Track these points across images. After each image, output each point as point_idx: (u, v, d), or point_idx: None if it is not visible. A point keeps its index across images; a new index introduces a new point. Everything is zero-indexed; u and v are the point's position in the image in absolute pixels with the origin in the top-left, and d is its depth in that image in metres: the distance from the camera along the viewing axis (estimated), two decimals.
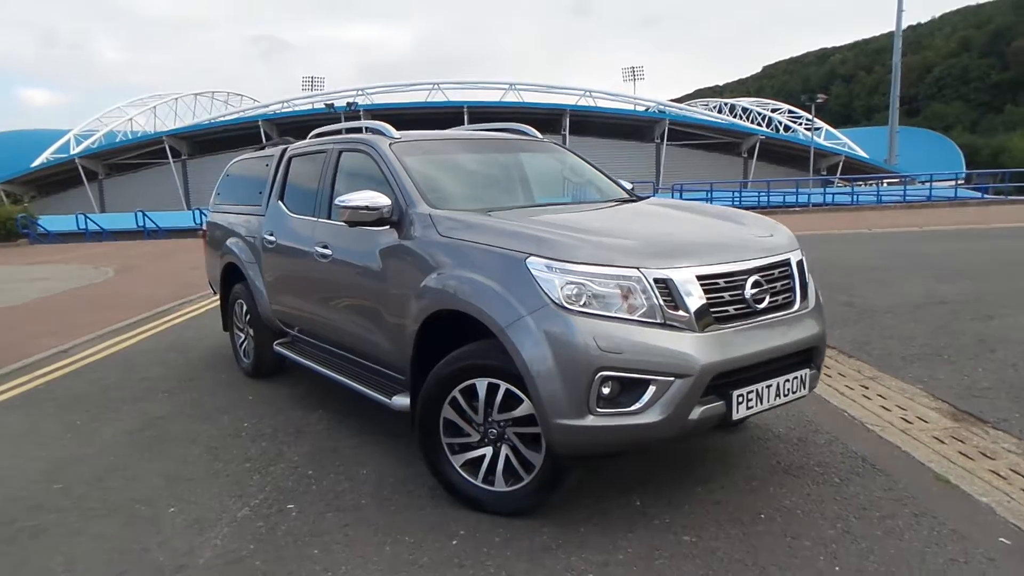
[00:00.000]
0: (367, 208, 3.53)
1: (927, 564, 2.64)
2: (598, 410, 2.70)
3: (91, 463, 3.94)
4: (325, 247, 4.16)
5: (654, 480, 3.42)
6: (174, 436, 4.32)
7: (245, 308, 5.46)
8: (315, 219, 4.38)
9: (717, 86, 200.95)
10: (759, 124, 71.12)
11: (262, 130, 47.60)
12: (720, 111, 79.35)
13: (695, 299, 2.80)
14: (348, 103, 29.06)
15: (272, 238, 4.88)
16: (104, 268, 14.80)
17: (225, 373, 5.74)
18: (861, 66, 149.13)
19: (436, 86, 61.66)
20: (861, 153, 64.02)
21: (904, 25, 55.24)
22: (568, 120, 52.27)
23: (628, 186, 4.57)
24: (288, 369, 5.59)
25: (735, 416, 2.85)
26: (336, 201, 3.59)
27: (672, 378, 2.69)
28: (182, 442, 4.21)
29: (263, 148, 5.96)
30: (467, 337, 3.23)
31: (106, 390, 5.41)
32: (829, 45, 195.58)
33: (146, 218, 25.99)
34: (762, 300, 3.00)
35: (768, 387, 2.95)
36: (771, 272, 3.10)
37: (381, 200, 3.54)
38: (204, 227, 6.42)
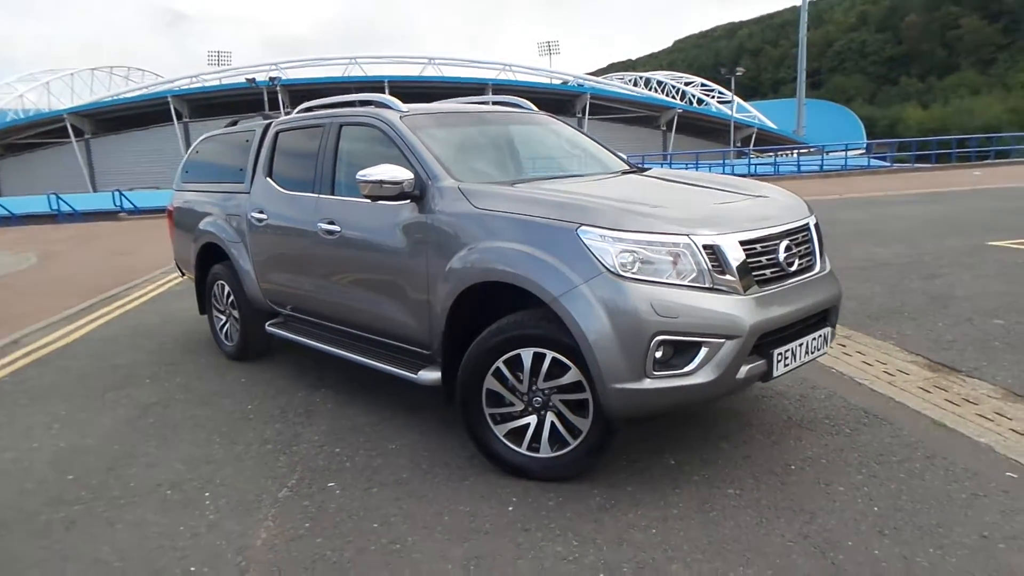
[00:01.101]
0: (391, 182, 3.49)
1: (953, 499, 2.88)
2: (654, 373, 2.80)
3: (97, 452, 3.79)
4: (331, 223, 4.09)
5: (681, 439, 3.57)
6: (177, 422, 4.19)
7: (227, 289, 5.30)
8: (316, 195, 4.28)
9: (630, 60, 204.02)
10: (674, 97, 72.79)
11: (172, 107, 45.41)
12: (636, 84, 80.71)
13: (739, 263, 2.93)
14: (271, 78, 28.00)
15: (262, 216, 4.74)
16: (25, 255, 13.91)
17: (206, 357, 5.57)
18: (767, 40, 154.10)
19: (353, 60, 60.18)
20: (771, 125, 66.54)
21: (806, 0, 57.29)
22: (491, 94, 52.08)
23: (624, 157, 4.67)
24: (275, 350, 5.48)
25: (775, 374, 3.01)
26: (358, 176, 3.53)
27: (723, 339, 2.82)
28: (188, 427, 4.09)
29: (235, 123, 5.75)
30: (497, 309, 3.28)
31: (82, 379, 5.16)
32: (736, 20, 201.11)
33: (60, 201, 24.44)
34: (792, 263, 3.17)
35: (800, 345, 3.12)
36: (797, 236, 3.27)
37: (403, 174, 3.51)
38: (170, 207, 6.14)
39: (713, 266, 2.87)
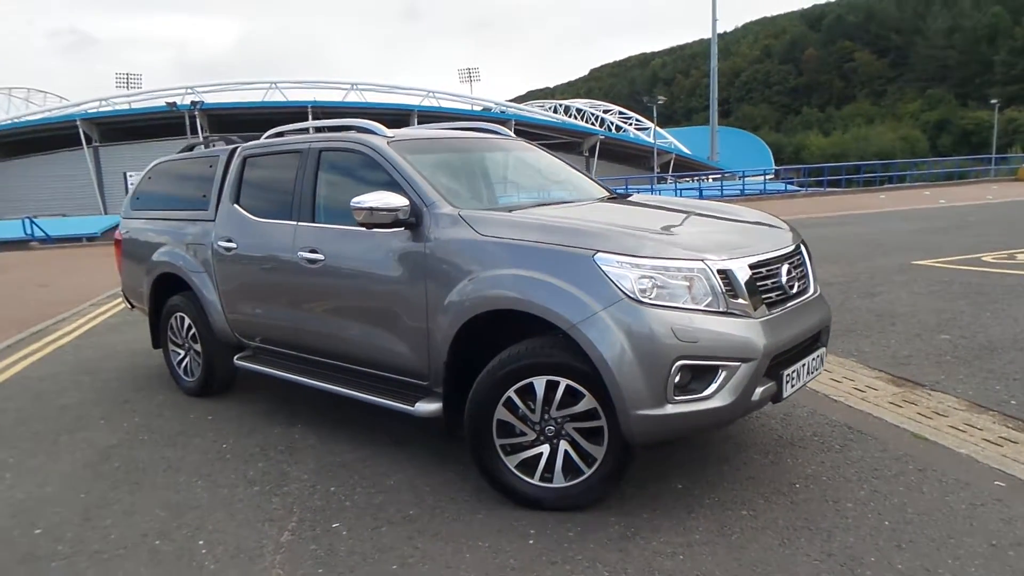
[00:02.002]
0: (386, 209, 3.40)
1: (954, 510, 2.99)
2: (675, 398, 2.81)
3: (62, 502, 3.50)
4: (313, 252, 3.95)
5: (682, 463, 3.58)
6: (147, 465, 3.92)
7: (188, 322, 5.03)
8: (295, 223, 4.13)
9: (548, 88, 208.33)
10: (593, 124, 74.59)
11: (81, 131, 43.16)
12: (556, 112, 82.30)
13: (750, 287, 2.99)
14: (193, 102, 27.11)
15: (230, 245, 4.54)
16: None
17: (162, 393, 5.26)
18: (679, 70, 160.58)
19: (273, 85, 58.96)
20: (686, 151, 69.10)
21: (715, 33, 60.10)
22: (416, 120, 51.96)
23: (600, 182, 4.72)
24: (237, 386, 5.22)
25: (784, 395, 3.07)
26: (352, 202, 3.43)
27: (739, 363, 2.86)
28: (160, 471, 3.83)
29: (191, 148, 5.52)
30: (496, 338, 3.24)
31: (23, 422, 4.78)
32: (649, 50, 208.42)
33: None
34: (793, 285, 3.26)
35: (803, 366, 3.21)
36: (793, 259, 3.37)
37: (398, 200, 3.43)
38: (118, 235, 5.81)
39: (726, 290, 2.92)
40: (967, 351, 5.27)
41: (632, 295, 2.82)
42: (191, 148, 5.53)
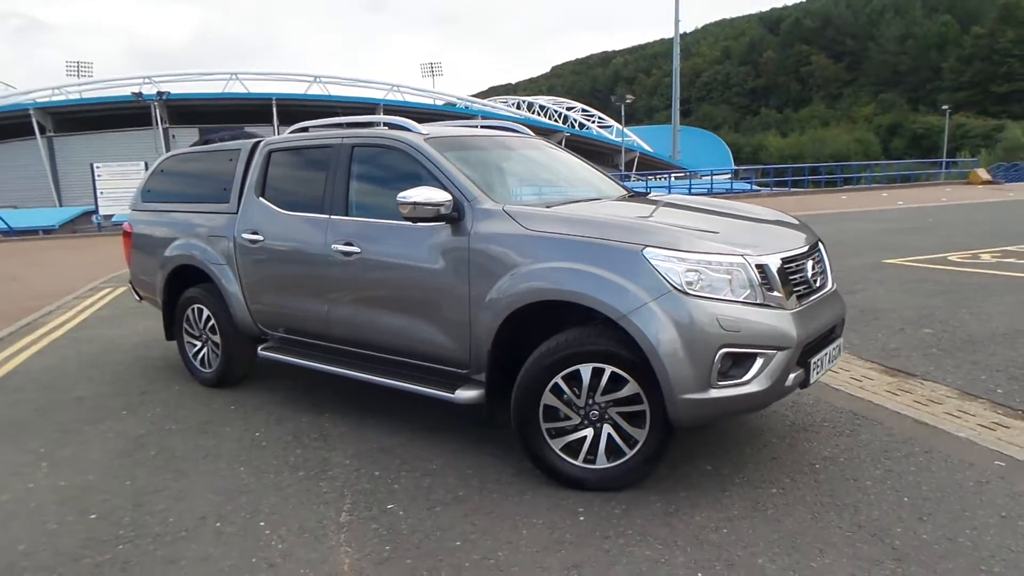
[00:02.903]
0: (430, 204, 3.54)
1: (963, 487, 3.27)
2: (718, 383, 3.02)
3: (108, 490, 3.56)
4: (349, 244, 4.07)
5: (706, 445, 3.81)
6: (184, 453, 4.00)
7: (206, 313, 5.09)
8: (327, 216, 4.24)
9: (510, 84, 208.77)
10: (556, 121, 75.05)
11: (34, 120, 41.83)
12: (519, 108, 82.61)
13: (783, 280, 3.21)
14: (159, 92, 26.64)
15: (256, 237, 4.62)
16: None
17: (178, 385, 5.30)
18: (641, 69, 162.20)
19: (234, 76, 57.93)
20: (649, 149, 70.07)
21: (672, 33, 60.98)
22: (383, 114, 51.70)
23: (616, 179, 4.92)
24: (255, 376, 5.30)
25: (811, 381, 3.31)
26: (398, 197, 3.57)
27: (775, 351, 3.09)
28: (200, 458, 3.91)
29: (205, 142, 5.56)
30: (531, 328, 3.43)
31: (43, 413, 4.79)
32: (611, 48, 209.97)
33: None
34: (816, 280, 3.50)
35: (825, 355, 3.45)
36: (814, 255, 3.61)
37: (441, 195, 3.57)
38: (127, 228, 5.81)
39: (763, 283, 3.14)
40: (950, 344, 5.62)
41: (679, 287, 3.02)
42: (206, 142, 5.57)
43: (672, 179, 39.21)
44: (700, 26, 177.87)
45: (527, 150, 4.74)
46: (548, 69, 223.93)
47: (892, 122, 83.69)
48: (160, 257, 5.35)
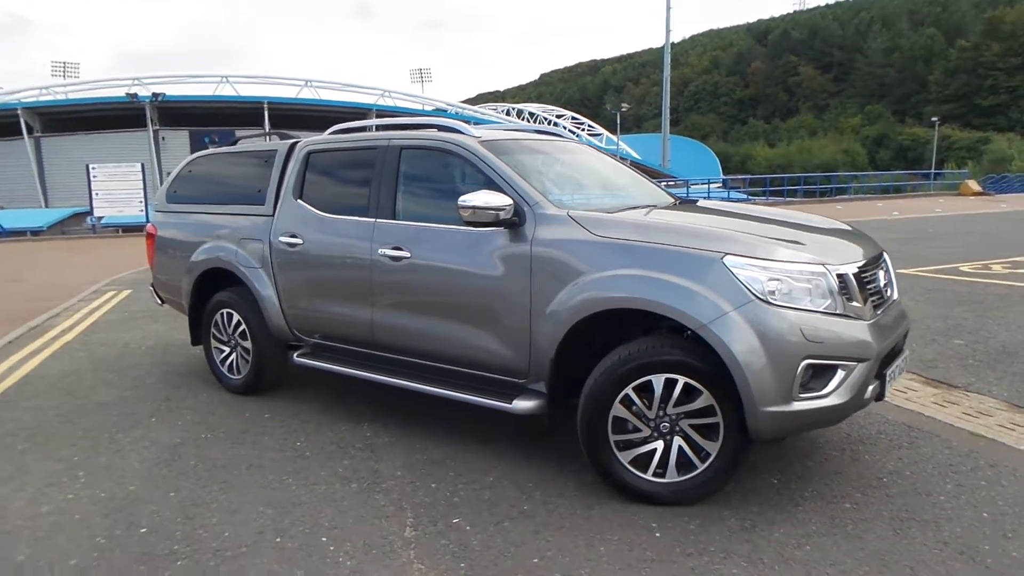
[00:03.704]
0: (491, 208, 3.44)
1: None
2: (800, 396, 2.94)
3: (153, 501, 3.42)
4: (397, 249, 3.96)
5: (767, 458, 3.72)
6: (226, 463, 3.86)
7: (236, 318, 4.95)
8: (373, 220, 4.13)
9: (498, 91, 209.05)
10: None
11: (22, 120, 41.16)
12: (509, 115, 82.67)
13: (862, 290, 3.14)
14: (154, 94, 26.36)
15: (294, 240, 4.50)
16: None
17: (205, 392, 5.15)
18: (629, 78, 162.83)
19: (224, 79, 57.47)
20: (638, 157, 70.25)
21: (662, 43, 61.18)
22: (375, 119, 51.42)
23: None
24: (284, 384, 5.16)
25: (886, 393, 3.24)
26: (460, 201, 3.46)
27: (855, 362, 3.01)
28: (244, 469, 3.78)
29: (233, 143, 5.43)
30: (592, 336, 3.34)
31: (68, 419, 4.63)
32: (599, 57, 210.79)
33: None
34: (887, 289, 3.43)
35: (896, 367, 3.38)
36: (881, 264, 3.54)
37: (502, 200, 3.48)
38: (151, 229, 5.66)
39: (843, 293, 3.06)
40: (986, 355, 5.58)
41: (762, 296, 2.94)
42: (235, 142, 5.44)
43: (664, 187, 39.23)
44: (688, 36, 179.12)
45: (574, 155, 4.65)
46: (537, 76, 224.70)
47: (879, 133, 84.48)
48: (187, 260, 5.21)
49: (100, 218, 23.71)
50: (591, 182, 4.50)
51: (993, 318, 6.80)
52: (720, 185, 45.13)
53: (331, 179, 4.52)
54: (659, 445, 3.21)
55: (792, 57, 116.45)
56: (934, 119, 56.88)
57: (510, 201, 3.50)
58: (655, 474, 3.22)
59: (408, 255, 3.93)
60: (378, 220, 4.11)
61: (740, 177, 57.27)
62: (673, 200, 4.55)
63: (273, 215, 4.70)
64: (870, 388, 3.10)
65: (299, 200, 4.57)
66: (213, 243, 5.05)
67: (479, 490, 3.44)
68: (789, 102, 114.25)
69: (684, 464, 3.19)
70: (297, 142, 4.79)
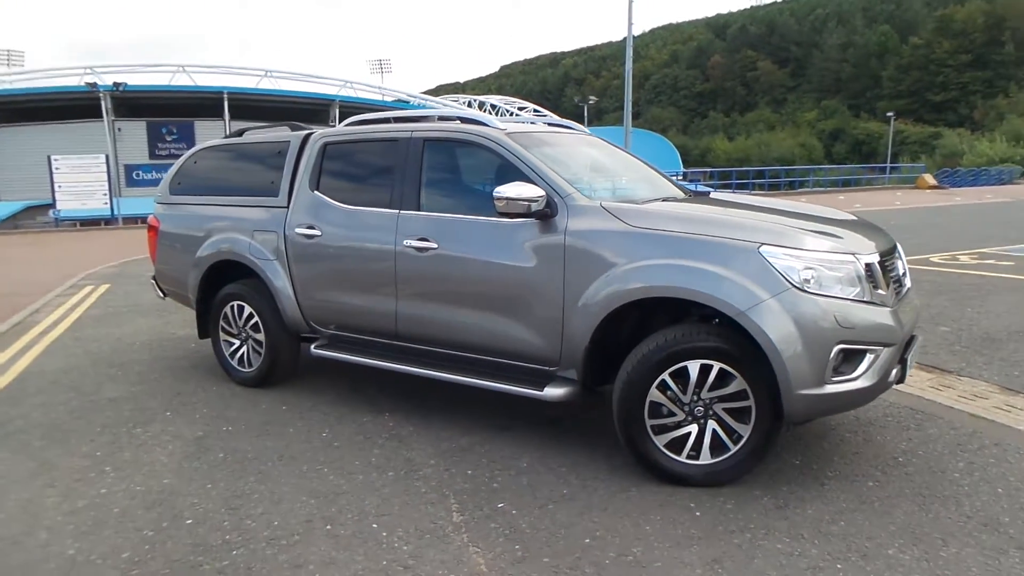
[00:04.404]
0: (524, 200, 3.51)
1: None
2: (832, 379, 3.08)
3: (192, 493, 3.42)
4: (423, 240, 4.00)
5: (786, 441, 3.86)
6: (256, 455, 3.87)
7: (248, 310, 4.93)
8: (396, 211, 4.16)
9: (458, 83, 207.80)
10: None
11: None
12: (471, 106, 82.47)
13: (886, 279, 3.30)
14: (115, 83, 25.66)
15: (312, 232, 4.50)
16: None
17: (215, 385, 5.12)
18: (590, 71, 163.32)
19: (181, 68, 56.08)
20: None
21: (621, 37, 61.65)
22: (338, 111, 50.81)
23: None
24: (296, 375, 5.16)
25: (906, 376, 3.40)
26: (495, 192, 3.52)
27: (882, 347, 3.17)
28: (274, 460, 3.79)
29: (240, 134, 5.38)
30: (621, 324, 3.46)
31: (81, 416, 4.57)
32: (559, 49, 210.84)
33: None
34: (904, 278, 3.60)
35: (913, 352, 3.55)
36: (898, 254, 3.71)
37: (535, 191, 3.55)
38: (153, 221, 5.59)
39: (869, 280, 3.21)
40: (971, 341, 5.84)
41: (798, 284, 3.07)
42: (240, 133, 5.39)
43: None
44: (648, 30, 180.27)
45: (592, 148, 4.73)
46: (497, 68, 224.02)
47: (835, 127, 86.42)
48: (195, 252, 5.16)
49: (59, 211, 23.05)
50: (609, 174, 4.59)
51: (972, 306, 7.11)
52: (681, 178, 45.94)
53: (350, 170, 4.54)
54: (693, 428, 3.33)
55: (750, 52, 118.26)
56: (889, 114, 58.46)
57: (543, 193, 3.57)
58: (689, 456, 3.34)
59: (435, 246, 3.97)
60: (402, 211, 4.15)
61: (702, 171, 58.15)
62: (686, 193, 4.67)
63: (288, 206, 4.69)
64: (893, 372, 3.27)
65: (316, 191, 4.58)
66: (223, 235, 5.02)
67: (516, 475, 3.53)
68: (748, 96, 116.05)
69: (717, 447, 3.32)
70: (311, 133, 4.79)
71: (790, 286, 3.07)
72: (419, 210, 4.11)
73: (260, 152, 5.05)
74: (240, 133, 5.41)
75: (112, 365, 5.77)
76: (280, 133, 5.02)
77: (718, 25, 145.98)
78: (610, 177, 4.58)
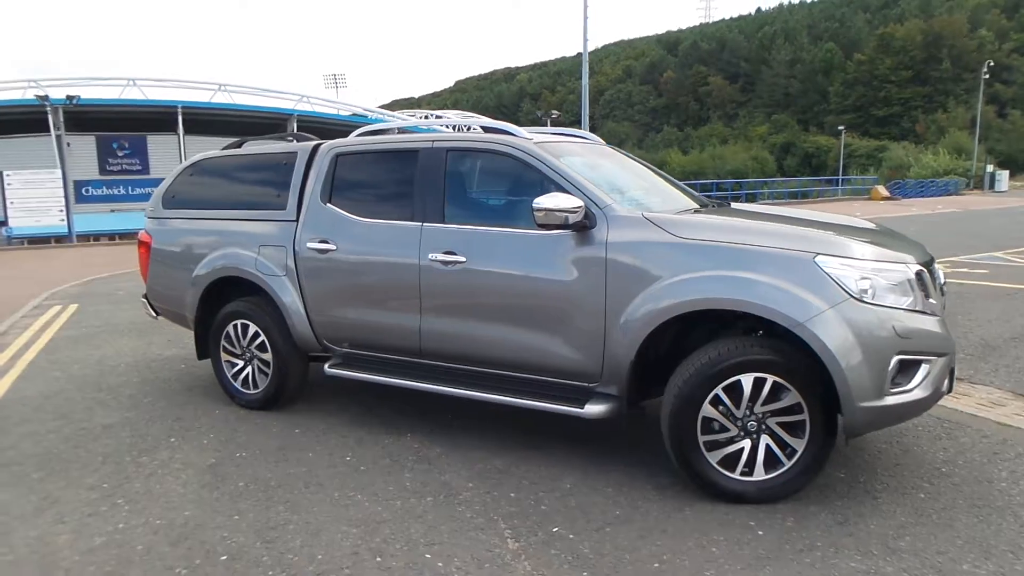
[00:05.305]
0: (562, 211, 3.40)
1: None
2: (891, 391, 3.03)
3: (219, 526, 3.20)
4: (450, 253, 3.85)
5: None
6: (280, 482, 3.65)
7: (254, 329, 4.69)
8: (419, 224, 4.01)
9: (413, 98, 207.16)
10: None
11: None
12: (427, 119, 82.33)
13: (934, 288, 3.27)
14: (68, 96, 24.82)
15: (326, 246, 4.31)
16: None
17: (217, 408, 4.86)
18: (545, 86, 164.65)
19: (131, 82, 54.66)
20: None
21: (575, 52, 62.26)
22: (295, 126, 50.07)
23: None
24: (302, 396, 4.94)
25: (953, 386, 3.38)
26: (534, 203, 3.41)
27: (936, 357, 3.13)
28: (299, 487, 3.58)
29: (239, 145, 5.16)
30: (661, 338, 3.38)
31: (78, 444, 4.28)
32: (514, 65, 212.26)
33: None
34: (943, 288, 3.59)
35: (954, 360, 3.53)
36: (934, 264, 3.70)
37: (574, 202, 3.44)
38: (145, 238, 5.30)
39: (921, 290, 3.18)
40: (971, 349, 5.92)
41: (855, 295, 3.02)
42: (239, 145, 5.17)
43: None
44: (601, 45, 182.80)
45: (609, 158, 4.65)
46: (452, 83, 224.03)
47: (785, 141, 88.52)
48: (192, 269, 4.91)
49: (11, 229, 22.10)
50: (634, 184, 4.51)
51: (961, 313, 7.23)
52: None
53: (366, 182, 4.37)
54: (746, 444, 3.24)
55: (702, 68, 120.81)
56: (840, 128, 60.17)
57: (581, 203, 3.46)
58: (742, 473, 3.25)
59: (463, 260, 3.83)
60: (425, 224, 4.00)
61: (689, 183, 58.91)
62: (706, 202, 4.62)
63: (297, 220, 4.49)
64: (945, 381, 3.24)
65: (329, 204, 4.39)
66: (225, 250, 4.78)
67: (562, 497, 3.39)
68: (700, 111, 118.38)
69: (770, 462, 3.24)
70: (320, 144, 4.61)
71: (848, 296, 3.02)
72: (443, 222, 3.97)
73: (263, 164, 4.84)
74: (239, 144, 5.19)
75: (99, 389, 5.45)
76: (285, 144, 4.82)
77: (669, 41, 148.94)
78: (637, 187, 4.50)
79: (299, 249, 4.44)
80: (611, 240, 3.46)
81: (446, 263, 3.87)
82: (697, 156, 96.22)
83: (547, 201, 3.41)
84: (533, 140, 3.91)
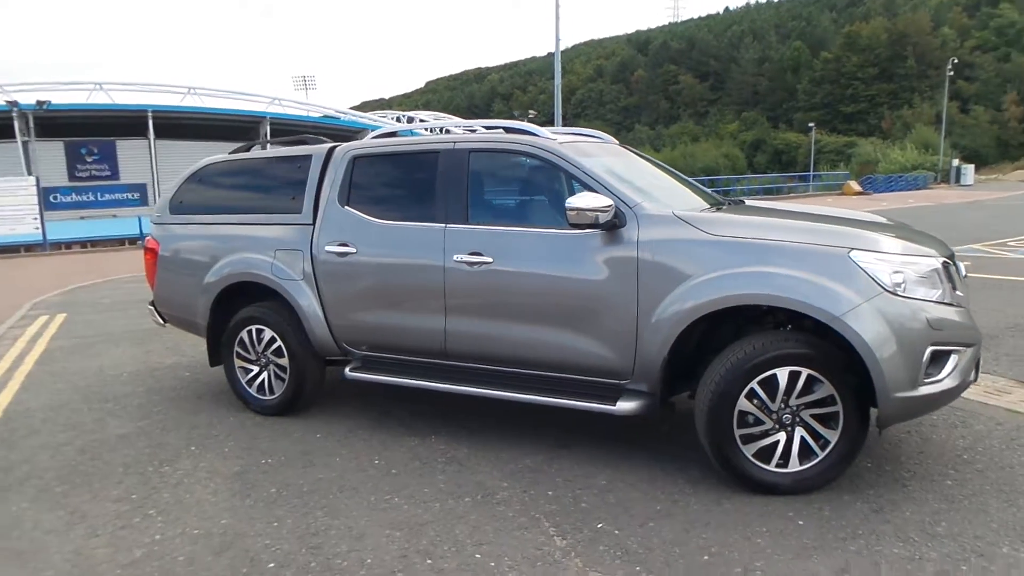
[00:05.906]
0: (593, 210, 3.43)
1: None
2: (924, 381, 3.11)
3: (260, 534, 3.17)
4: (476, 254, 3.86)
5: None
6: (312, 488, 3.63)
7: (269, 334, 4.65)
8: (443, 225, 4.01)
9: (383, 99, 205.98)
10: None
11: None
12: (399, 121, 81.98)
13: (961, 280, 3.36)
14: (38, 101, 24.29)
15: (346, 249, 4.29)
16: None
17: (232, 415, 4.81)
18: (517, 86, 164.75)
19: (98, 86, 53.66)
20: None
21: (546, 52, 62.50)
22: (269, 128, 49.57)
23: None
24: (318, 400, 4.91)
25: (979, 376, 3.47)
26: (567, 203, 3.43)
27: (965, 348, 3.22)
28: (332, 492, 3.57)
29: (248, 149, 5.12)
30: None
31: (95, 455, 4.21)
32: (484, 65, 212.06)
33: None
34: (965, 279, 3.68)
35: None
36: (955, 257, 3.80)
37: (603, 201, 3.47)
38: (152, 244, 5.23)
39: (949, 282, 3.26)
40: None
41: (889, 288, 3.09)
42: (247, 148, 5.13)
43: None
44: (571, 45, 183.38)
45: (625, 157, 4.68)
46: (423, 84, 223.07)
47: (755, 138, 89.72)
48: (203, 275, 4.86)
49: None
50: (653, 183, 4.54)
51: None
52: None
53: (385, 184, 4.36)
54: (781, 436, 3.30)
55: (671, 66, 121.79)
56: (810, 124, 61.10)
57: (610, 203, 3.49)
58: (777, 465, 3.31)
59: (489, 260, 3.84)
60: (448, 225, 4.00)
61: None
62: (722, 200, 4.68)
63: (313, 223, 4.47)
64: (972, 371, 3.32)
65: (347, 207, 4.37)
66: (238, 255, 4.73)
67: (600, 494, 3.42)
68: (671, 109, 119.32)
69: (804, 454, 3.30)
70: (336, 146, 4.58)
71: (882, 290, 3.08)
72: (467, 223, 3.97)
73: (275, 168, 4.80)
74: (247, 148, 5.14)
75: (106, 399, 5.36)
76: (298, 147, 4.79)
77: (639, 41, 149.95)
78: (657, 186, 4.53)
79: (316, 252, 4.41)
80: (642, 239, 3.49)
81: (472, 264, 3.88)
82: (669, 154, 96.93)
83: (579, 201, 3.44)
84: (564, 141, 3.93)
